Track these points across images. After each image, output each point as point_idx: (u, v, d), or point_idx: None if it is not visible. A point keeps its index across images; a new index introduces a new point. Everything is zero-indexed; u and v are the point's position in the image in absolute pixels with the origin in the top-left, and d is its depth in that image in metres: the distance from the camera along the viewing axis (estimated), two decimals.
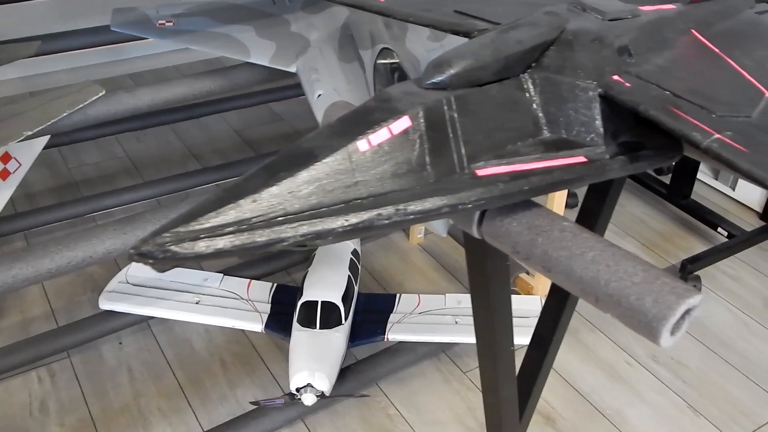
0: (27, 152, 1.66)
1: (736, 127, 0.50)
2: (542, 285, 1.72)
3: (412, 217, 0.44)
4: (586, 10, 0.58)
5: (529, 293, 1.74)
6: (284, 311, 1.60)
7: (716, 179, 2.36)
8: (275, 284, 1.71)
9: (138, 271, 1.72)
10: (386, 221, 0.43)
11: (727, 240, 2.05)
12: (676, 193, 2.14)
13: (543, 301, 1.67)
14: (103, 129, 2.26)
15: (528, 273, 1.79)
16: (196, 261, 0.39)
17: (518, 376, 0.89)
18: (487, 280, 0.61)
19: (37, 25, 2.10)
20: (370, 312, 1.64)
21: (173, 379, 1.66)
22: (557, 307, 0.79)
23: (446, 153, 0.46)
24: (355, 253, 1.70)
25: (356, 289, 1.63)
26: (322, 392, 1.39)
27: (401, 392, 1.64)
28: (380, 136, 0.44)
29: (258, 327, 1.59)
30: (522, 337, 1.61)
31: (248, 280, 1.72)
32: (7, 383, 1.62)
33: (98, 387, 1.63)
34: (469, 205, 0.46)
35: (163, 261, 0.38)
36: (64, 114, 1.28)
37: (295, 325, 1.51)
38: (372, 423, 1.57)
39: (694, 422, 1.60)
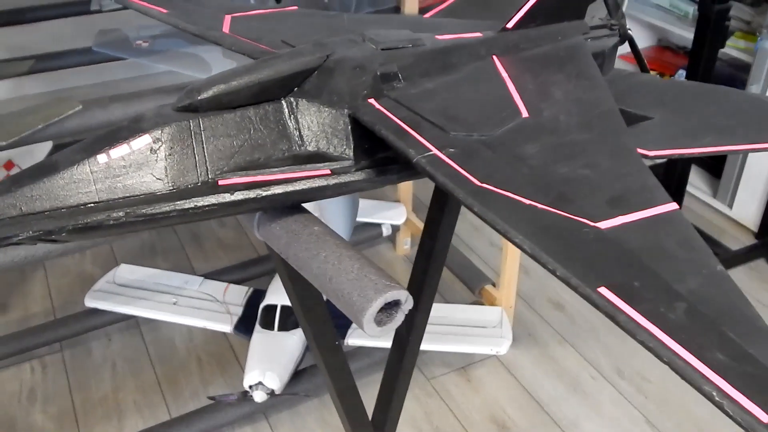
0: (29, 160, 1.82)
1: (463, 145, 0.56)
2: (506, 297, 1.76)
3: (141, 219, 0.52)
4: (365, 40, 0.65)
5: (492, 304, 1.78)
6: (254, 314, 1.69)
7: (714, 197, 2.34)
8: (252, 289, 1.81)
9: (126, 272, 1.84)
10: (114, 222, 0.51)
11: None
12: None
13: (504, 313, 1.72)
14: None
15: (493, 285, 1.83)
16: None
17: (382, 380, 0.95)
18: (289, 273, 0.68)
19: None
20: (335, 317, 1.71)
21: (152, 375, 1.77)
22: (415, 306, 0.85)
23: (188, 166, 0.54)
24: None
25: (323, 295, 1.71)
26: (272, 390, 1.47)
27: (363, 394, 1.70)
28: (120, 151, 0.52)
29: (227, 328, 1.68)
30: (480, 347, 1.66)
31: (226, 284, 1.82)
32: (1, 373, 1.77)
33: (83, 380, 1.75)
34: (199, 211, 0.53)
35: None
36: (39, 127, 1.41)
37: (257, 326, 1.60)
38: (330, 423, 1.64)
39: None
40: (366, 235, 2.10)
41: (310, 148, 0.59)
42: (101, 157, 0.52)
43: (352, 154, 0.59)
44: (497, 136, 0.58)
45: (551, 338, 1.88)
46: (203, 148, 0.55)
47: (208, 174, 0.55)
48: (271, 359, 1.50)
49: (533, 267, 2.11)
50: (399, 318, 0.54)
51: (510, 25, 0.73)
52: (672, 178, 2.11)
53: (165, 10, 0.82)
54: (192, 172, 0.54)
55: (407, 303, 0.53)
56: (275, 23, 0.80)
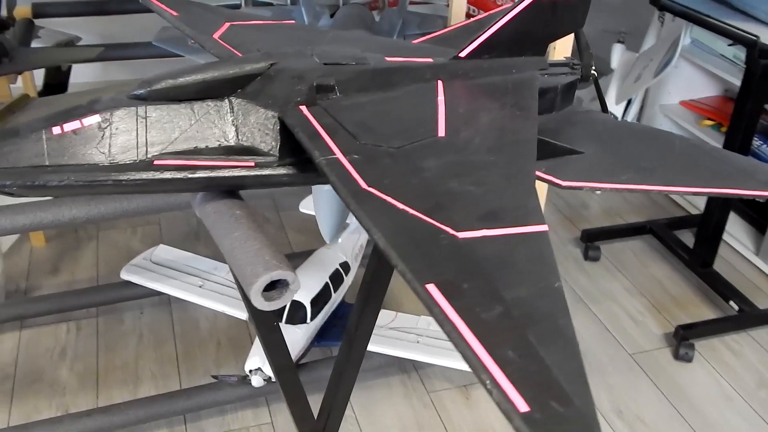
0: None
1: (367, 153, 0.63)
2: None
3: (81, 183, 0.62)
4: (313, 54, 0.73)
5: None
6: None
7: (757, 255, 2.29)
8: None
9: (163, 252, 1.98)
10: (58, 183, 0.61)
11: (736, 314, 2.00)
12: (696, 260, 2.12)
13: None
14: None
15: None
16: None
17: (332, 371, 1.02)
18: None
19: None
20: (345, 319, 1.80)
21: (173, 349, 1.90)
22: (364, 303, 0.92)
23: (129, 145, 0.64)
24: (344, 265, 1.86)
25: (334, 296, 1.79)
26: (270, 377, 1.57)
27: (363, 397, 1.78)
28: (72, 125, 0.62)
29: (243, 315, 1.79)
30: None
31: None
32: (40, 329, 1.93)
33: (110, 345, 1.90)
34: (131, 184, 0.63)
35: None
36: None
37: None
38: None
39: None
40: None
41: (243, 143, 0.68)
42: (56, 129, 0.62)
43: (277, 151, 0.67)
44: (404, 149, 0.65)
45: None
46: (146, 131, 0.64)
47: (146, 154, 0.64)
48: None
49: None
50: (287, 297, 0.62)
51: (463, 54, 0.80)
52: (708, 227, 2.09)
53: (176, 13, 0.93)
54: (132, 150, 0.64)
55: (295, 284, 0.61)
56: (264, 34, 0.89)
